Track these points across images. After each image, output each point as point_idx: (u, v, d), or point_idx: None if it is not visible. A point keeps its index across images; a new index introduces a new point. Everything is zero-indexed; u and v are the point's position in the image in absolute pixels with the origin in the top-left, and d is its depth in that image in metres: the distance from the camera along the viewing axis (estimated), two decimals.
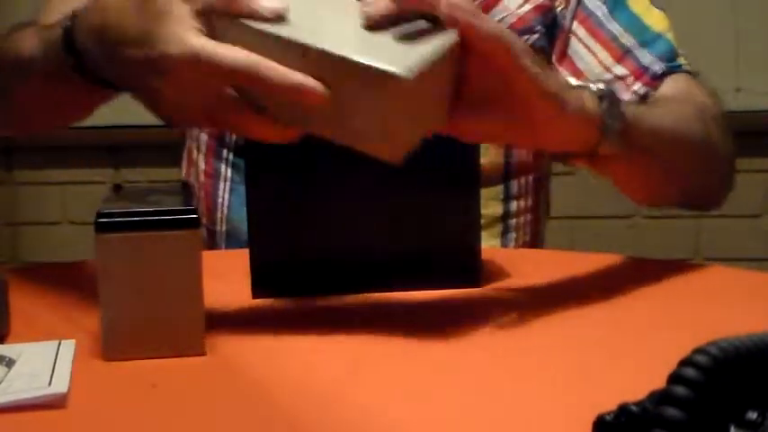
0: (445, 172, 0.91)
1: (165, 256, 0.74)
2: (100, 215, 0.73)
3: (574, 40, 1.15)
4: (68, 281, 0.98)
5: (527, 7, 1.14)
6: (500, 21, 1.12)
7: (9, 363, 0.71)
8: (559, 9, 1.16)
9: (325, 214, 0.92)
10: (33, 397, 0.64)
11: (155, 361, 0.76)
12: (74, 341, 0.76)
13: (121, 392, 0.69)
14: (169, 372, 0.74)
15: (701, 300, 0.92)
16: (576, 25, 1.15)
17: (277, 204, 0.87)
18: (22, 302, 0.86)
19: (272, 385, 0.70)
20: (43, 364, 0.71)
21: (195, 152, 1.26)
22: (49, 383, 0.66)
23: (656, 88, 1.09)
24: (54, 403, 0.64)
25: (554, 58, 1.16)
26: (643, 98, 1.06)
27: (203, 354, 0.75)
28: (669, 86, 1.09)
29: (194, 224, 0.74)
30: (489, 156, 1.17)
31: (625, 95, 1.06)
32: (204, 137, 1.24)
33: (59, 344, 0.75)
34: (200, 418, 0.64)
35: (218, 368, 0.74)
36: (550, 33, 1.16)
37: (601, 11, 1.14)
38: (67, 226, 2.51)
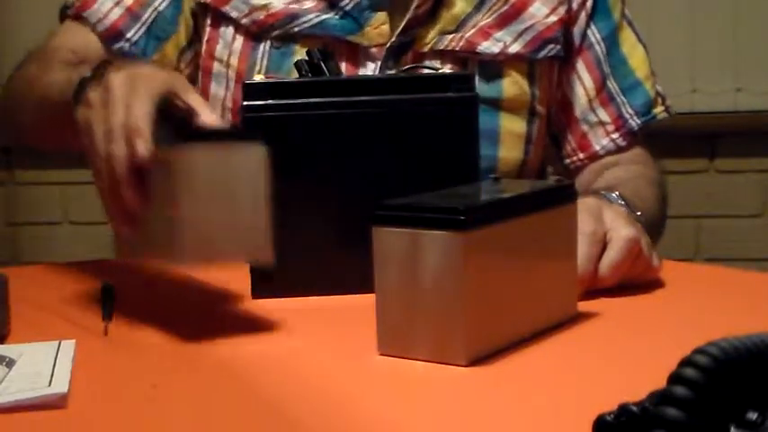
0: (445, 171, 0.91)
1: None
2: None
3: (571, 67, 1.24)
4: (68, 281, 0.98)
5: (553, 18, 1.20)
6: (529, 27, 1.19)
7: (9, 363, 0.71)
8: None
9: (325, 214, 0.92)
10: (33, 397, 0.64)
11: (154, 361, 0.76)
12: (74, 341, 0.76)
13: (121, 392, 0.69)
14: (169, 372, 0.74)
15: (701, 300, 0.92)
16: (575, 51, 1.24)
17: (276, 205, 0.87)
18: (22, 302, 0.86)
19: (273, 385, 0.70)
20: (43, 364, 0.70)
21: None
22: (49, 384, 0.66)
23: (629, 144, 1.25)
24: (54, 403, 0.64)
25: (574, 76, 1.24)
26: (619, 149, 1.24)
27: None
28: (633, 164, 1.25)
29: None
30: (508, 150, 1.21)
31: (603, 141, 1.24)
32: None
33: (59, 344, 0.75)
34: (200, 418, 0.64)
35: (218, 368, 0.74)
36: (565, 45, 1.23)
37: (599, 47, 1.24)
38: (67, 226, 2.51)
